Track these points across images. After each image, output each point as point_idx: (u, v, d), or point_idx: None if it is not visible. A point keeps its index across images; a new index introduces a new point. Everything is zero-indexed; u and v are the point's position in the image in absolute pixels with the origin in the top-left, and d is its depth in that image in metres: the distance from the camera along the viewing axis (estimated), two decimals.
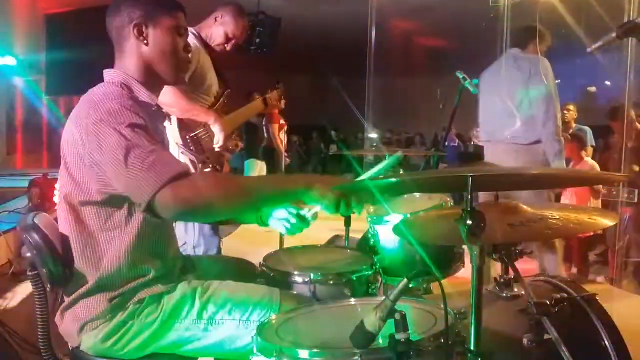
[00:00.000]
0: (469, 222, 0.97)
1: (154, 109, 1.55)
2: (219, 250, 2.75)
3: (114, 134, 1.32)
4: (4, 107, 7.88)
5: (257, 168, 6.72)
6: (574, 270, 4.86)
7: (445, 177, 1.13)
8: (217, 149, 2.57)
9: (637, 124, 4.48)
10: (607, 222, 1.26)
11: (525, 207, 1.33)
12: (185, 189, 1.30)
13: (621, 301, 3.72)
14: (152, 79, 1.56)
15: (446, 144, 3.75)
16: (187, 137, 2.49)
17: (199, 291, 1.50)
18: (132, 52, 1.53)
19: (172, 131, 2.41)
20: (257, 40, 7.37)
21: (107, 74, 1.54)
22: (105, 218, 1.43)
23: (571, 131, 5.22)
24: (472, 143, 6.48)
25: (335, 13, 8.63)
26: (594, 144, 5.69)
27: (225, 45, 2.75)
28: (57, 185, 1.56)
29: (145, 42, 1.52)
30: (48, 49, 6.87)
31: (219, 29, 2.71)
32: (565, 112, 5.36)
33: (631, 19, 3.94)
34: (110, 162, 1.32)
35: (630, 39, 1.50)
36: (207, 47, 2.71)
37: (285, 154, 6.52)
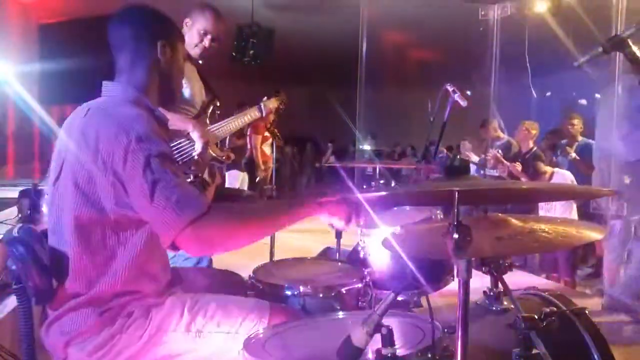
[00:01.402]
0: (455, 235, 0.97)
1: (165, 124, 1.57)
2: (210, 262, 2.71)
3: (142, 165, 1.31)
4: None
5: (239, 180, 6.61)
6: (562, 282, 4.88)
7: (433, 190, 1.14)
8: (195, 157, 2.47)
9: None
10: (595, 235, 1.26)
11: (513, 220, 1.33)
12: (205, 230, 1.31)
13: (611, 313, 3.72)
14: (156, 95, 1.58)
15: (436, 156, 3.75)
16: None
17: (188, 304, 1.49)
18: (147, 65, 1.54)
19: None
20: (251, 52, 7.44)
21: (112, 88, 1.53)
22: (109, 236, 1.41)
23: (573, 155, 5.07)
24: (459, 155, 6.49)
25: (327, 25, 8.68)
26: None
27: (203, 43, 2.66)
28: (45, 198, 1.54)
29: (164, 58, 1.56)
30: (41, 59, 6.84)
31: (190, 31, 2.65)
32: (569, 126, 5.23)
33: (618, 32, 3.99)
34: (136, 193, 1.32)
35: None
36: (188, 58, 2.65)
37: (263, 167, 6.43)
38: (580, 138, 5.22)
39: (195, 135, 2.46)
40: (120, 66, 1.55)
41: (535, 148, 5.30)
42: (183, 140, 2.47)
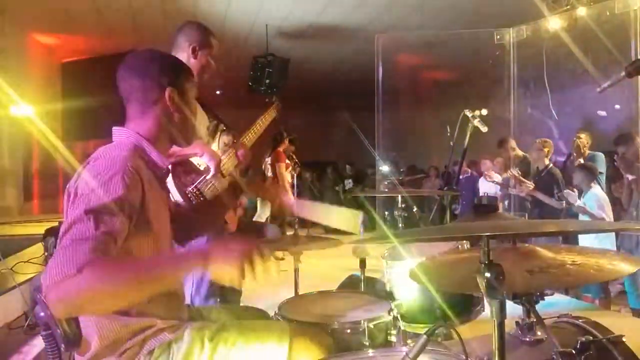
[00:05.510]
0: (487, 274, 0.94)
1: (163, 171, 1.57)
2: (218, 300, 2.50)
3: (83, 206, 1.28)
4: (21, 155, 8.04)
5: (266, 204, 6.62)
6: (595, 302, 4.74)
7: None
8: (210, 178, 2.30)
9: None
10: (629, 267, 1.22)
11: (542, 251, 1.30)
12: (64, 291, 1.17)
13: None
14: (166, 141, 1.59)
15: (460, 179, 3.70)
16: (186, 192, 2.26)
17: (207, 334, 1.49)
18: (156, 114, 1.54)
19: (169, 189, 2.14)
20: (267, 81, 7.54)
21: (119, 133, 1.54)
22: None
23: (580, 161, 5.10)
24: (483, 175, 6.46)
25: (342, 52, 8.76)
26: (603, 171, 5.34)
27: (212, 68, 2.46)
28: None
29: (174, 106, 1.55)
30: (64, 96, 7.05)
31: (195, 62, 2.38)
32: (576, 139, 5.26)
33: (638, 48, 3.96)
34: (64, 228, 1.28)
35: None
36: None
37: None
38: (587, 152, 5.26)
39: (205, 158, 2.29)
40: (130, 114, 1.56)
41: (550, 165, 5.25)
42: (200, 180, 2.32)
